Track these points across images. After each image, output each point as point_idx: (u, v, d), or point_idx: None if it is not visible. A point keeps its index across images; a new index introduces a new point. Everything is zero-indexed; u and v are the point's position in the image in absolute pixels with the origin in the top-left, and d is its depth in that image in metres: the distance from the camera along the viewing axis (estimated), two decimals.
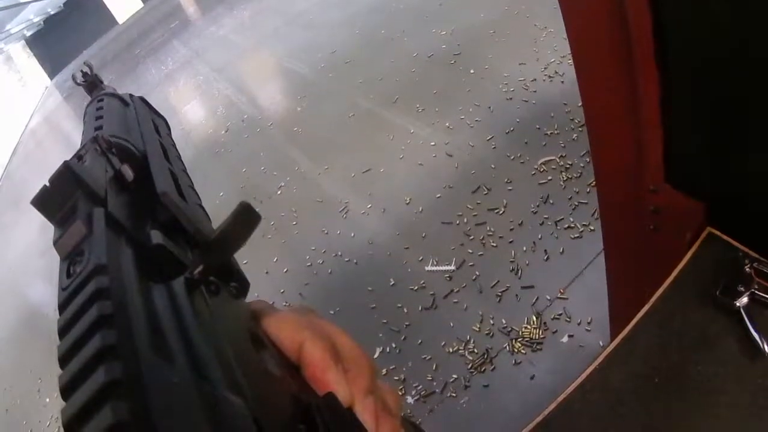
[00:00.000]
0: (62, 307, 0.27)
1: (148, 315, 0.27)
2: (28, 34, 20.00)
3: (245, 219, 0.34)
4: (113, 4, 19.90)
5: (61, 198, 0.34)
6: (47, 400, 3.59)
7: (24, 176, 9.72)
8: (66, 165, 0.34)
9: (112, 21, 19.85)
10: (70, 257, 0.30)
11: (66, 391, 0.23)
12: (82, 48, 18.35)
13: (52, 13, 19.77)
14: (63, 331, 0.25)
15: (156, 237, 0.33)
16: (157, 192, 0.38)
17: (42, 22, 19.94)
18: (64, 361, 0.24)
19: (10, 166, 11.37)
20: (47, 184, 0.34)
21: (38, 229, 5.99)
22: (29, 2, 13.85)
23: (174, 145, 0.58)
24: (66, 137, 9.93)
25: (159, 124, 0.60)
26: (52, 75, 19.44)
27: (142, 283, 0.30)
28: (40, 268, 5.23)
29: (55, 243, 0.32)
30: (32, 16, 17.91)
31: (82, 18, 19.70)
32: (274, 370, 0.35)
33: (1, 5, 12.27)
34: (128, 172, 0.39)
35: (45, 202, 0.34)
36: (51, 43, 19.65)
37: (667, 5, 0.81)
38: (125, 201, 0.37)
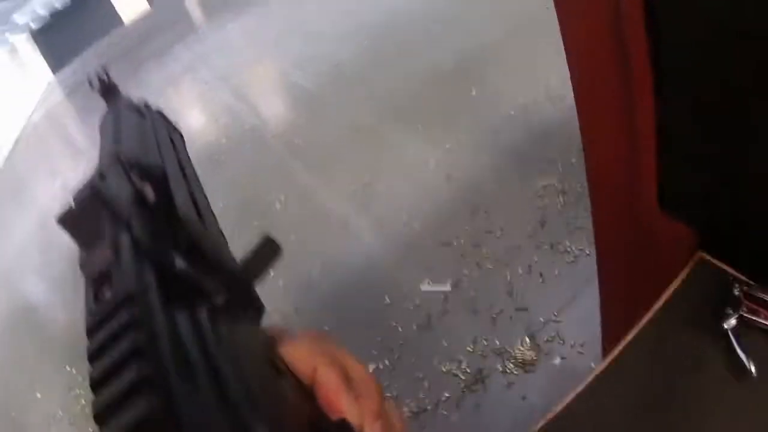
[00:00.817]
0: (91, 331, 0.27)
1: (174, 345, 0.28)
2: (34, 26, 19.96)
3: (267, 251, 0.36)
4: (120, 3, 19.89)
5: (85, 218, 0.34)
6: (38, 395, 3.58)
7: (24, 170, 9.67)
8: (91, 186, 0.35)
9: (117, 20, 19.82)
10: (96, 281, 0.31)
11: (101, 418, 0.24)
12: (87, 45, 18.30)
13: (59, 7, 19.74)
14: (94, 357, 0.26)
15: (180, 264, 0.33)
16: (177, 214, 0.39)
17: (48, 16, 19.90)
18: (96, 386, 0.25)
19: (10, 159, 11.32)
20: (71, 203, 0.35)
21: (36, 224, 5.98)
22: None
23: (189, 159, 0.59)
24: (67, 134, 9.92)
25: (175, 138, 0.60)
26: (55, 69, 19.38)
27: (167, 311, 0.30)
28: (38, 263, 5.22)
29: (82, 266, 0.33)
30: (39, 8, 17.90)
31: (89, 15, 19.64)
32: (291, 396, 0.36)
33: None
34: (150, 193, 0.39)
35: (69, 221, 0.34)
36: (56, 38, 19.58)
37: (665, 34, 0.84)
38: (148, 223, 0.36)
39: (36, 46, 20.11)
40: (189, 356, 0.28)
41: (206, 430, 0.25)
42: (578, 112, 1.09)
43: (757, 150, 0.85)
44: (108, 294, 0.29)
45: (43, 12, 18.79)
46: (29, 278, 5.36)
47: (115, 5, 19.87)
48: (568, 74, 1.05)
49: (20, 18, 16.64)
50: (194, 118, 6.50)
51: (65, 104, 13.19)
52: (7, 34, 16.90)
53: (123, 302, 0.28)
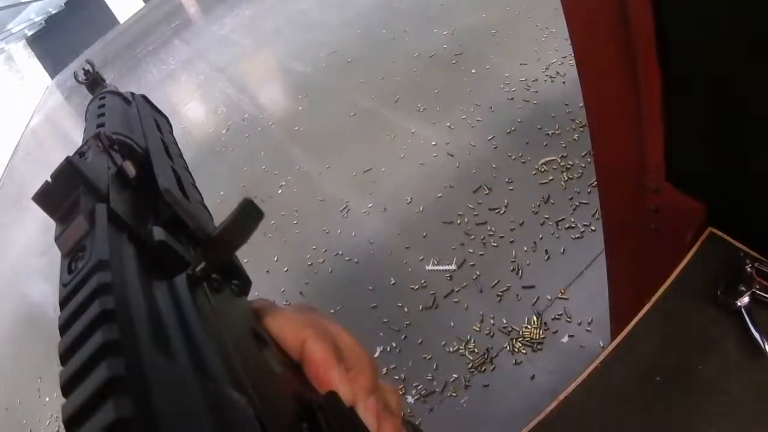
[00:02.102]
0: (63, 303, 0.27)
1: (150, 312, 0.27)
2: (30, 33, 20.02)
3: (248, 215, 0.34)
4: (114, 3, 19.92)
5: (62, 194, 0.33)
6: (47, 399, 3.59)
7: (25, 175, 9.73)
8: (68, 161, 0.34)
9: (113, 20, 19.88)
10: (71, 253, 0.30)
11: (67, 388, 0.22)
12: (84, 47, 18.39)
13: (53, 12, 19.79)
14: (64, 328, 0.25)
15: (158, 234, 0.33)
16: (159, 189, 0.38)
17: (43, 22, 19.96)
18: (65, 357, 0.24)
19: (11, 164, 11.38)
20: (49, 179, 0.34)
21: (39, 228, 6.00)
22: (30, 1, 13.86)
23: (175, 142, 0.58)
24: (67, 136, 9.95)
25: (160, 121, 0.60)
26: (53, 74, 19.48)
27: (144, 280, 0.29)
28: (41, 267, 5.24)
29: (57, 239, 0.31)
30: (33, 15, 17.93)
31: (84, 17, 19.73)
32: (276, 369, 0.34)
33: (2, 4, 12.29)
34: (130, 169, 0.39)
35: (46, 197, 0.33)
36: (52, 43, 19.69)
37: (669, 5, 0.81)
38: (127, 198, 0.36)
39: (32, 53, 20.18)
40: (164, 323, 0.28)
41: (179, 398, 0.24)
42: (582, 85, 1.07)
43: (766, 120, 0.82)
44: (81, 264, 0.28)
45: (37, 18, 18.83)
46: (33, 282, 5.38)
47: (109, 5, 19.88)
48: (569, 51, 1.03)
49: (15, 26, 16.67)
50: (194, 111, 6.50)
51: (64, 107, 13.24)
52: (2, 43, 16.92)
53: (94, 269, 0.27)
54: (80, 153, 0.42)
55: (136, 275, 0.29)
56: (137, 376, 0.22)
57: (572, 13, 0.96)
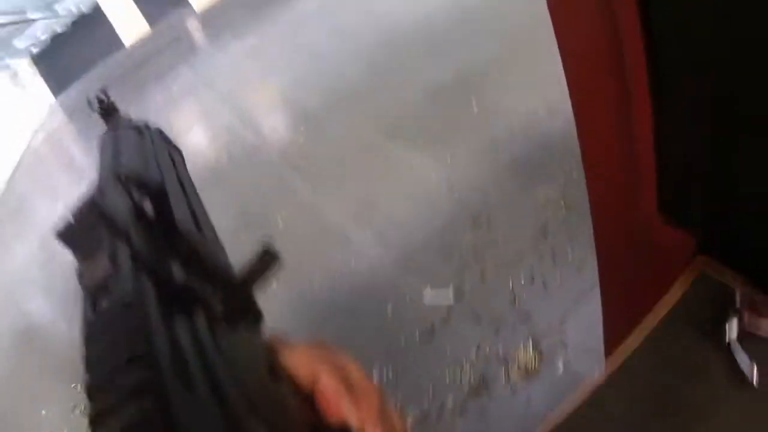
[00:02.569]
0: (89, 339, 0.28)
1: (173, 353, 0.28)
2: (35, 51, 20.05)
3: (266, 261, 0.36)
4: (120, 26, 19.99)
5: (85, 232, 0.35)
6: (43, 412, 3.57)
7: (25, 191, 9.69)
8: (91, 199, 0.36)
9: (118, 43, 19.91)
10: (94, 292, 0.31)
11: (96, 423, 0.24)
12: (88, 68, 18.37)
13: (59, 31, 19.84)
14: (91, 366, 0.26)
15: (178, 274, 0.34)
16: (176, 225, 0.39)
17: (49, 40, 20.00)
18: (93, 394, 0.25)
19: (12, 181, 11.33)
20: (71, 217, 0.35)
21: (38, 243, 5.99)
22: (37, 19, 13.92)
23: (189, 175, 0.60)
24: (68, 156, 9.94)
25: (174, 155, 0.62)
26: (56, 93, 19.44)
27: (166, 320, 0.30)
28: (40, 281, 5.22)
29: (80, 277, 0.33)
30: (39, 33, 17.99)
31: (89, 38, 19.72)
32: (291, 402, 0.36)
33: (8, 21, 12.34)
34: (149, 207, 0.40)
35: (68, 235, 0.35)
36: (57, 62, 19.64)
37: (661, 43, 0.85)
38: (146, 236, 0.37)
39: (37, 71, 20.18)
40: (188, 364, 0.28)
41: (203, 430, 0.25)
42: (576, 119, 1.10)
43: (756, 155, 0.86)
44: (105, 304, 0.30)
45: (43, 36, 18.87)
46: (32, 298, 5.35)
47: (115, 28, 19.96)
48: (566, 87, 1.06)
49: (20, 43, 16.73)
50: (196, 138, 6.52)
51: (66, 127, 13.23)
52: (7, 60, 16.97)
53: (121, 310, 0.29)
54: (100, 190, 0.44)
55: (158, 316, 0.30)
56: (166, 417, 0.24)
57: (566, 48, 0.99)
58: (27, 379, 3.99)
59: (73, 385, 3.31)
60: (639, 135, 0.98)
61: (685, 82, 0.89)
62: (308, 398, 0.38)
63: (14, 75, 19.49)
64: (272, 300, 3.09)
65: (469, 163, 3.39)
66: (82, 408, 3.18)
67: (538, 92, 3.56)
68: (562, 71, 1.03)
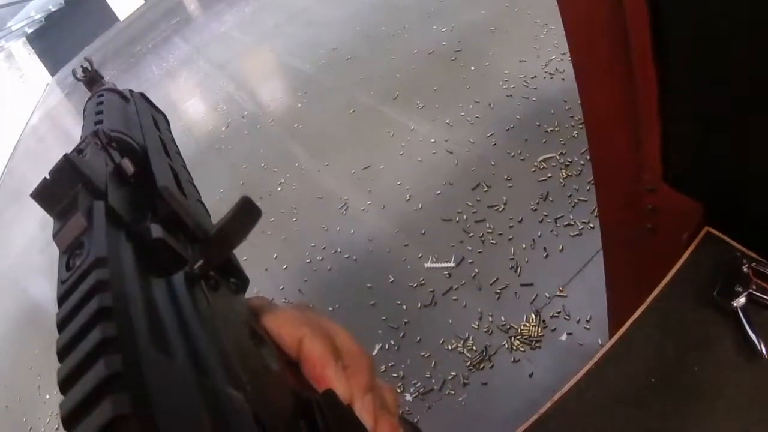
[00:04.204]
0: (61, 299, 0.27)
1: (148, 309, 0.27)
2: (30, 30, 19.99)
3: (246, 214, 0.34)
4: (114, 0, 19.89)
5: (61, 191, 0.34)
6: (47, 396, 3.60)
7: (25, 172, 9.74)
8: (66, 158, 0.34)
9: (113, 18, 19.84)
10: (69, 250, 0.30)
11: (65, 384, 0.23)
12: (84, 45, 18.36)
13: (53, 10, 19.76)
14: (62, 324, 0.25)
15: (156, 231, 0.33)
16: (157, 186, 0.38)
17: (43, 19, 19.93)
18: (63, 354, 0.24)
19: (11, 162, 11.38)
20: (47, 177, 0.34)
21: (39, 225, 6.01)
22: None
23: (173, 140, 0.59)
24: (67, 134, 9.94)
25: (159, 119, 0.61)
26: (53, 72, 19.45)
27: (142, 277, 0.30)
28: (41, 263, 5.25)
29: (55, 236, 0.32)
30: (33, 12, 17.91)
31: (83, 15, 19.69)
32: (273, 366, 0.35)
33: (2, 2, 12.27)
34: (128, 166, 0.39)
35: (45, 194, 0.34)
36: (52, 40, 19.65)
37: (665, 2, 0.80)
38: (125, 195, 0.37)
39: (32, 50, 20.15)
40: (162, 321, 0.28)
41: (177, 395, 0.24)
42: (578, 84, 1.06)
43: (764, 120, 0.82)
44: (79, 260, 0.29)
45: (37, 16, 18.80)
46: (33, 279, 5.38)
47: (109, 2, 19.85)
48: (566, 48, 1.02)
49: (15, 24, 16.65)
50: (194, 108, 6.50)
51: (64, 104, 13.23)
52: (2, 41, 16.90)
53: (92, 266, 0.27)
54: (78, 150, 0.42)
55: (134, 273, 0.29)
56: (135, 373, 0.22)
57: (568, 10, 0.96)
58: (28, 363, 4.01)
59: None
60: (643, 102, 0.94)
61: (691, 47, 0.84)
62: (293, 364, 0.37)
63: (10, 56, 19.45)
64: (272, 269, 3.08)
65: (468, 126, 3.34)
66: None
67: (537, 55, 3.51)
68: (562, 33, 0.99)
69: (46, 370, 3.75)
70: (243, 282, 0.39)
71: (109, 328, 0.23)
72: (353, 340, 0.40)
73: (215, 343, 0.29)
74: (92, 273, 0.27)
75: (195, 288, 0.33)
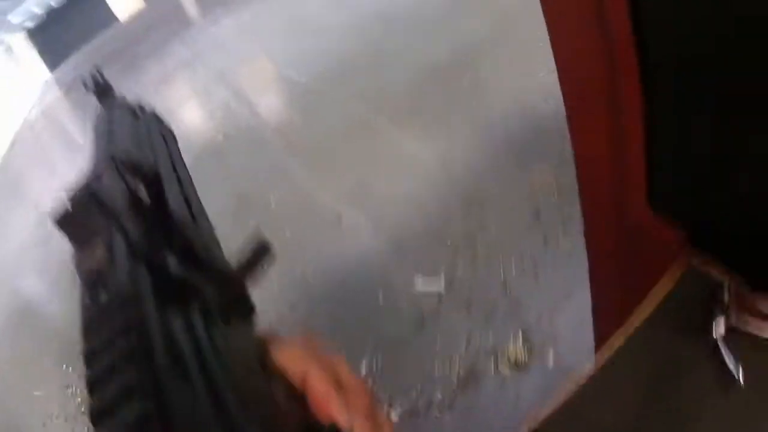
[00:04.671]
0: (87, 333, 0.28)
1: (168, 346, 0.28)
2: (30, 25, 19.94)
3: (260, 253, 0.37)
4: (114, 0, 19.86)
5: (80, 219, 0.35)
6: (36, 393, 3.57)
7: (21, 169, 9.68)
8: (87, 185, 0.36)
9: (112, 17, 19.80)
10: (91, 281, 0.31)
11: (97, 418, 0.24)
12: (82, 43, 18.30)
13: (54, 6, 19.73)
14: (90, 360, 0.27)
15: (174, 265, 0.34)
16: (170, 214, 0.39)
17: (44, 15, 19.89)
18: (93, 390, 0.25)
19: (7, 157, 11.32)
20: (68, 204, 0.35)
21: (34, 221, 5.97)
22: None
23: (182, 160, 0.61)
24: (64, 132, 9.92)
25: (168, 138, 0.62)
26: (52, 68, 19.38)
27: (162, 312, 0.30)
28: (36, 260, 5.21)
29: (77, 266, 0.33)
30: (35, 7, 17.88)
31: (84, 12, 19.66)
32: (282, 398, 0.36)
33: None
34: (144, 195, 0.40)
35: (65, 221, 0.35)
36: (52, 36, 19.60)
37: (650, 27, 0.82)
38: (142, 224, 0.37)
39: (32, 45, 20.10)
40: (182, 357, 0.29)
41: (198, 429, 0.25)
42: (566, 109, 1.09)
43: (748, 145, 0.83)
44: (103, 295, 0.30)
45: (38, 11, 18.77)
46: (27, 276, 5.35)
47: (109, 2, 19.82)
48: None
49: (15, 18, 16.63)
50: (190, 115, 6.49)
51: (62, 102, 13.20)
52: (2, 35, 16.86)
53: (118, 305, 0.29)
54: (96, 176, 0.43)
55: (154, 308, 0.30)
56: (162, 411, 0.24)
57: (554, 29, 0.98)
58: (21, 359, 3.98)
59: (65, 366, 3.31)
60: (628, 126, 0.96)
61: (676, 73, 0.86)
62: (299, 396, 0.38)
63: (9, 50, 19.40)
64: (263, 283, 3.07)
65: (462, 144, 3.35)
66: (74, 390, 3.19)
67: (532, 73, 3.51)
68: None
69: (37, 366, 3.73)
70: (251, 311, 0.42)
71: (138, 371, 0.25)
72: (353, 372, 0.42)
73: (229, 376, 0.30)
74: (118, 313, 0.28)
75: (210, 321, 0.34)
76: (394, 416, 2.14)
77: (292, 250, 3.26)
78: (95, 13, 19.54)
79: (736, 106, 0.80)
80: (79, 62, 15.81)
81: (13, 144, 12.12)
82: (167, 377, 0.26)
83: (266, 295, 2.98)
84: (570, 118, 1.10)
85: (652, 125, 0.92)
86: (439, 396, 2.13)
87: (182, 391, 0.26)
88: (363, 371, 2.34)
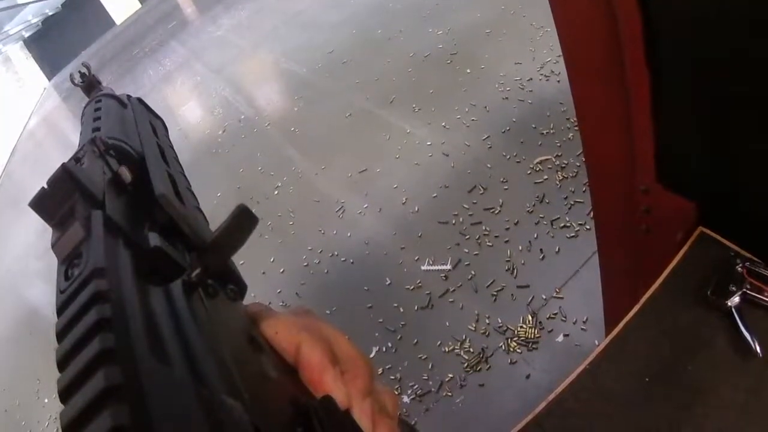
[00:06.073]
0: (60, 309, 0.27)
1: (146, 318, 0.28)
2: (27, 35, 19.97)
3: (243, 222, 0.34)
4: (111, 4, 19.86)
5: (59, 200, 0.34)
6: (46, 400, 3.59)
7: (23, 177, 9.72)
8: (64, 167, 0.34)
9: (110, 22, 19.81)
10: (68, 260, 0.30)
11: (65, 395, 0.23)
12: (81, 49, 18.32)
13: (50, 14, 19.74)
14: (61, 334, 0.25)
15: (154, 239, 0.33)
16: (155, 194, 0.38)
17: (40, 23, 19.91)
18: (62, 364, 0.24)
19: (8, 167, 11.36)
20: (45, 186, 0.34)
21: (37, 230, 5.99)
22: (27, 3, 13.84)
23: (171, 146, 0.58)
24: (64, 138, 9.93)
25: (156, 125, 0.60)
26: (50, 76, 19.41)
27: (140, 286, 0.30)
28: (39, 268, 5.23)
29: (53, 245, 0.32)
30: (30, 17, 17.90)
31: (80, 18, 19.67)
32: (271, 373, 0.35)
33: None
34: (126, 174, 0.39)
35: (43, 204, 0.34)
36: (49, 44, 19.63)
37: (656, 5, 0.81)
38: (123, 203, 0.37)
39: (29, 54, 20.12)
40: (160, 330, 0.28)
41: (175, 405, 0.24)
42: (572, 88, 1.07)
43: (757, 119, 0.82)
44: (78, 272, 0.29)
45: (34, 20, 18.78)
46: (31, 284, 5.37)
47: (105, 6, 19.82)
48: (561, 50, 1.03)
49: (12, 28, 16.64)
50: (191, 112, 6.49)
51: (61, 109, 13.22)
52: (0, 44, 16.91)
53: (90, 276, 0.27)
54: (76, 158, 0.42)
55: (132, 282, 0.29)
56: (134, 384, 0.23)
57: (560, 13, 0.96)
58: (28, 368, 3.99)
59: None
60: (636, 102, 0.94)
61: (683, 48, 0.84)
62: (291, 371, 0.37)
63: (7, 60, 19.42)
64: (269, 272, 3.08)
65: (464, 129, 3.35)
66: None
67: (533, 57, 3.51)
68: (555, 35, 0.99)
69: (44, 374, 3.74)
70: (241, 289, 0.39)
71: (107, 340, 0.24)
72: (351, 344, 0.40)
73: (213, 351, 0.29)
74: (91, 283, 0.27)
75: (193, 296, 0.33)
76: (406, 398, 2.13)
77: (297, 239, 3.27)
78: (92, 18, 19.54)
79: (745, 74, 0.79)
80: (77, 68, 15.79)
81: (14, 153, 12.16)
82: (141, 347, 0.25)
83: (273, 284, 2.99)
84: (576, 97, 1.08)
85: (659, 101, 0.91)
86: (450, 375, 2.12)
87: (157, 362, 0.25)
88: (373, 354, 2.34)
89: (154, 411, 0.22)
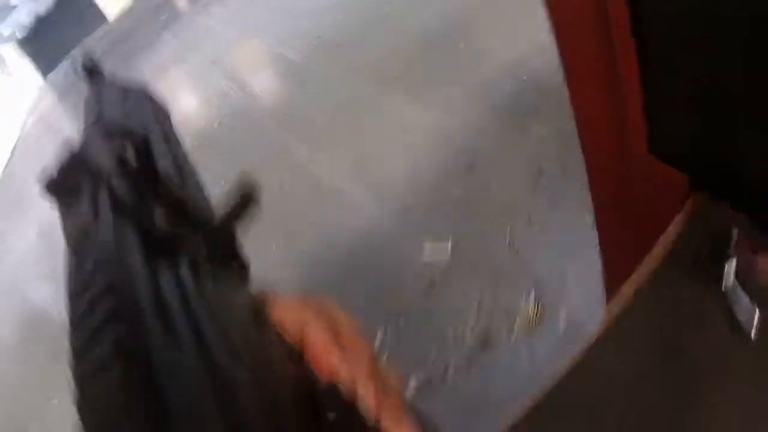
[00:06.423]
0: (72, 297, 0.29)
1: (156, 302, 0.28)
2: (20, 35, 19.97)
3: (247, 194, 0.36)
4: (102, 0, 19.83)
5: (66, 182, 0.35)
6: (55, 401, 3.59)
7: (23, 177, 9.73)
8: (71, 148, 0.35)
9: (102, 18, 19.79)
10: (76, 240, 0.32)
11: (82, 383, 0.25)
12: (74, 46, 18.32)
13: (42, 13, 19.72)
14: (75, 325, 0.27)
15: (160, 219, 0.34)
16: (159, 175, 0.38)
17: (33, 23, 19.90)
18: (78, 355, 0.26)
19: (9, 167, 11.39)
20: (54, 169, 0.35)
21: (38, 230, 5.99)
22: (19, 4, 13.83)
23: (173, 129, 0.59)
24: (63, 135, 9.93)
25: (159, 111, 0.61)
26: (45, 74, 19.42)
27: (149, 268, 0.30)
28: (42, 268, 5.23)
29: (63, 228, 0.33)
30: (23, 17, 17.90)
31: (73, 16, 19.65)
32: (277, 353, 0.36)
33: None
34: (131, 155, 0.39)
35: (50, 186, 0.35)
36: (43, 43, 19.60)
37: None
38: (129, 184, 0.36)
39: (24, 54, 20.13)
40: (171, 312, 0.28)
41: (187, 386, 0.25)
42: (561, 61, 1.07)
43: (747, 86, 0.79)
44: (88, 255, 0.30)
45: (27, 20, 18.78)
46: (35, 285, 5.37)
47: (97, 2, 19.79)
48: None
49: (5, 29, 16.67)
50: (187, 103, 6.49)
51: (58, 106, 13.24)
52: None
53: (102, 265, 0.29)
54: (82, 141, 0.43)
55: (140, 264, 0.30)
56: (148, 368, 0.24)
57: None
58: (35, 368, 4.00)
59: None
60: (625, 74, 0.93)
61: (671, 23, 0.83)
62: (296, 351, 0.37)
63: (2, 61, 19.43)
64: (269, 260, 3.08)
65: (459, 108, 3.34)
66: None
67: (526, 33, 3.47)
68: None
69: (51, 375, 3.75)
70: (245, 267, 0.40)
71: (120, 329, 0.25)
72: (355, 324, 0.41)
73: (221, 330, 0.29)
74: (101, 274, 0.28)
75: (200, 275, 0.33)
76: (411, 383, 2.13)
77: (297, 226, 3.27)
78: (84, 15, 19.51)
79: (734, 44, 0.76)
80: (71, 65, 15.86)
81: (12, 154, 12.18)
82: (154, 332, 0.26)
83: (274, 271, 2.98)
84: (566, 70, 1.08)
85: (649, 70, 0.90)
86: (454, 361, 2.11)
87: (170, 346, 0.26)
88: (376, 340, 2.33)
89: (165, 387, 0.24)
